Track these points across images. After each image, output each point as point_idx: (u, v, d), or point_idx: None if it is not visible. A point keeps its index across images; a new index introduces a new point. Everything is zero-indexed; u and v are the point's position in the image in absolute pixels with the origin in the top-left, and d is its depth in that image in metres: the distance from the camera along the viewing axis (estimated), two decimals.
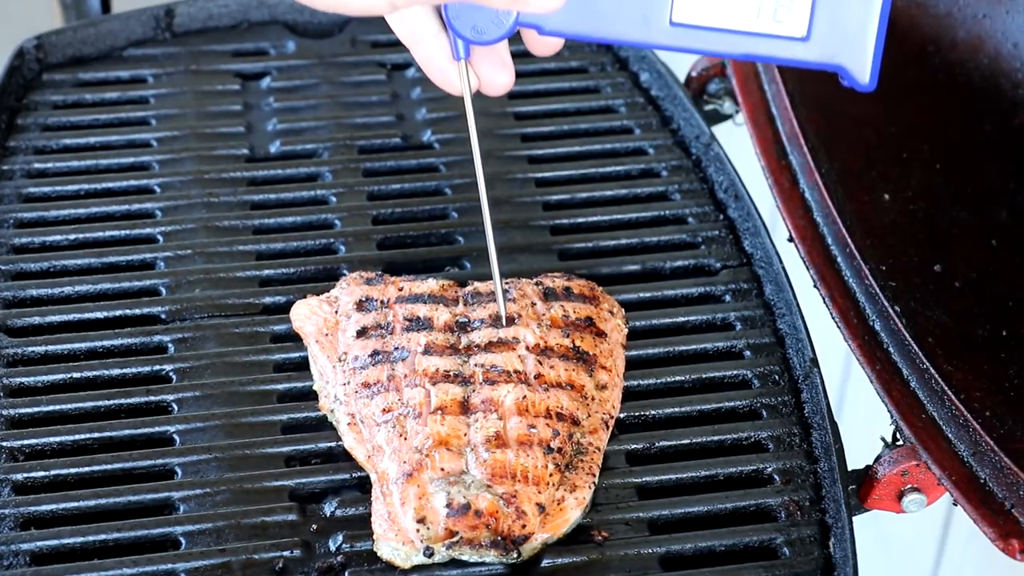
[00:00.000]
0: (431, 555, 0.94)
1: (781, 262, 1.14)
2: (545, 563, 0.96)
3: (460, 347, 1.05)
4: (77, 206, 1.22)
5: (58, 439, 1.02)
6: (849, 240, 1.11)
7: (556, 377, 1.02)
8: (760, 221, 1.17)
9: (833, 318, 1.09)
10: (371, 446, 1.00)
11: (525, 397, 1.00)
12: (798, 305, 1.11)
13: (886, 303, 1.06)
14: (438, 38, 0.93)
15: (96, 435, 1.03)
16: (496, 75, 0.95)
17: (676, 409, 1.06)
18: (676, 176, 1.26)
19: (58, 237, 1.18)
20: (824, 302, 1.10)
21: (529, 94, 1.35)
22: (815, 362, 1.07)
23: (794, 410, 1.06)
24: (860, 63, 0.88)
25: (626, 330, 1.09)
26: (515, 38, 0.93)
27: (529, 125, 1.32)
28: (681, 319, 1.13)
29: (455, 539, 0.94)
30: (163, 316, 1.12)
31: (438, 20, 0.92)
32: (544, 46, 0.93)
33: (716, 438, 1.04)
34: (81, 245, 1.18)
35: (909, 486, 1.00)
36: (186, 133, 1.29)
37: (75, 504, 0.98)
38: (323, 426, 1.03)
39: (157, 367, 1.08)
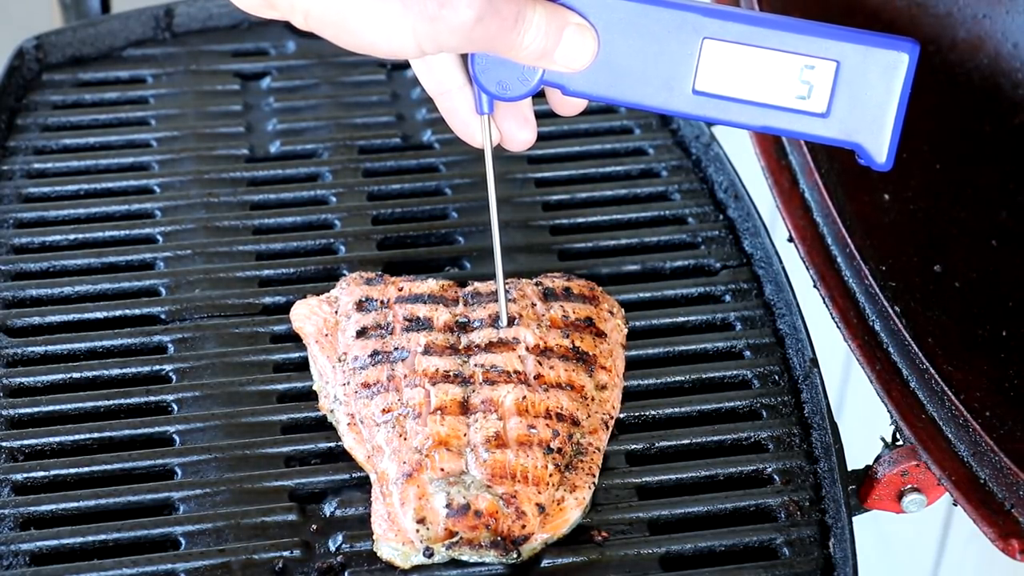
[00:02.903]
0: (431, 555, 0.94)
1: (781, 262, 1.14)
2: (545, 563, 0.96)
3: (460, 347, 1.05)
4: (77, 206, 1.22)
5: (58, 439, 1.02)
6: (849, 240, 1.11)
7: (556, 377, 1.02)
8: (760, 221, 1.17)
9: (833, 318, 1.09)
10: (371, 446, 1.00)
11: (525, 397, 1.00)
12: (798, 305, 1.11)
13: (886, 303, 1.06)
14: (463, 91, 0.94)
15: (96, 435, 1.03)
16: (518, 132, 0.96)
17: (676, 409, 1.06)
18: (676, 176, 1.26)
19: (58, 237, 1.18)
20: (824, 302, 1.10)
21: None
22: (815, 362, 1.07)
23: (794, 410, 1.06)
24: (878, 144, 0.89)
25: (626, 330, 1.09)
26: (539, 97, 0.94)
27: None
28: (681, 319, 1.13)
29: (455, 539, 0.94)
30: (163, 316, 1.12)
31: (464, 72, 0.93)
32: (568, 106, 0.95)
33: (716, 438, 1.04)
34: (81, 245, 1.18)
35: (909, 486, 1.00)
36: (186, 133, 1.29)
37: (75, 504, 0.98)
38: (323, 426, 1.03)
39: (157, 367, 1.08)
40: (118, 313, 1.12)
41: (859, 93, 0.88)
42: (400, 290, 1.08)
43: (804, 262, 1.13)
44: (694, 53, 0.89)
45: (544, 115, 1.32)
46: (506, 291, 1.08)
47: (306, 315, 1.09)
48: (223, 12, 1.41)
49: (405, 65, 1.37)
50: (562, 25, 0.88)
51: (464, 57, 0.93)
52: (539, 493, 0.96)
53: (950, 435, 1.00)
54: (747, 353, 1.10)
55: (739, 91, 0.89)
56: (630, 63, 0.90)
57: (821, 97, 0.89)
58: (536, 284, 1.09)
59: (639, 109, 0.98)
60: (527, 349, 1.04)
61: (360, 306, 1.08)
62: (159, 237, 1.19)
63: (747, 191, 1.20)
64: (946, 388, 1.01)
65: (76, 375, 1.07)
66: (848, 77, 0.88)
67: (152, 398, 1.06)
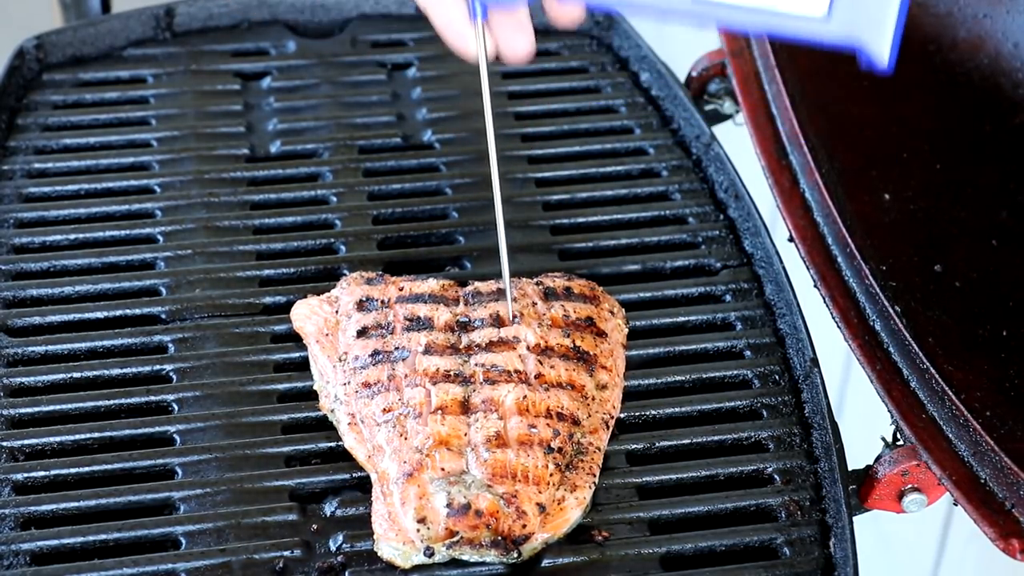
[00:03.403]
0: (431, 555, 0.94)
1: (781, 262, 1.14)
2: (545, 563, 0.96)
3: (460, 347, 1.05)
4: (77, 206, 1.22)
5: (58, 439, 1.02)
6: (849, 240, 1.11)
7: (556, 377, 1.02)
8: (760, 221, 1.17)
9: (833, 318, 1.09)
10: (371, 446, 1.00)
11: (525, 397, 1.00)
12: (798, 305, 1.11)
13: (886, 303, 1.06)
14: (456, 1, 0.92)
15: (96, 435, 1.03)
16: (514, 39, 0.93)
17: (676, 409, 1.06)
18: (676, 176, 1.26)
19: (58, 237, 1.18)
20: (824, 302, 1.10)
21: (529, 94, 1.35)
22: (815, 362, 1.07)
23: (794, 410, 1.06)
24: (879, 45, 0.88)
25: (626, 330, 1.09)
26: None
27: (529, 125, 1.32)
28: (681, 319, 1.13)
29: (455, 539, 0.94)
30: (163, 316, 1.12)
31: None
32: (564, 16, 0.92)
33: (716, 438, 1.04)
34: (81, 245, 1.18)
35: (909, 486, 1.00)
36: (186, 133, 1.29)
37: (75, 504, 0.98)
38: (323, 426, 1.03)
39: (157, 367, 1.08)
40: (118, 313, 1.12)
41: None
42: (401, 290, 1.08)
43: (804, 262, 1.13)
44: None
45: (544, 115, 1.33)
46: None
47: (306, 315, 1.09)
48: (223, 12, 1.41)
49: (405, 65, 1.37)
50: None
51: None
52: (540, 493, 0.96)
53: (950, 435, 1.00)
54: (747, 353, 1.10)
55: None
56: None
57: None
58: (537, 284, 1.10)
59: (640, 15, 0.96)
60: (528, 348, 1.04)
61: (361, 306, 1.08)
62: (159, 237, 1.19)
63: (747, 191, 1.20)
64: (946, 388, 1.01)
65: (76, 375, 1.07)
66: None
67: (152, 398, 1.06)
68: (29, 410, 1.04)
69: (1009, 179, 1.18)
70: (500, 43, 0.94)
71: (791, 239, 1.15)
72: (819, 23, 0.88)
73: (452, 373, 1.02)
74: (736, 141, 1.29)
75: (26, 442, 1.02)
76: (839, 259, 1.11)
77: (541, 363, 1.03)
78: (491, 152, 0.99)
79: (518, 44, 0.94)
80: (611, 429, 1.03)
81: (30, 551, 0.95)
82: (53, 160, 1.26)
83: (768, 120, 1.22)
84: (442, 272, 1.16)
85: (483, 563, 0.95)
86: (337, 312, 1.08)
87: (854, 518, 0.98)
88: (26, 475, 1.00)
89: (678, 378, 1.08)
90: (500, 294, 1.08)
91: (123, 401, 1.05)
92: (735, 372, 1.09)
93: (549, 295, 1.08)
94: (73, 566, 0.95)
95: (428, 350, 1.04)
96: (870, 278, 1.08)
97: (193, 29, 1.40)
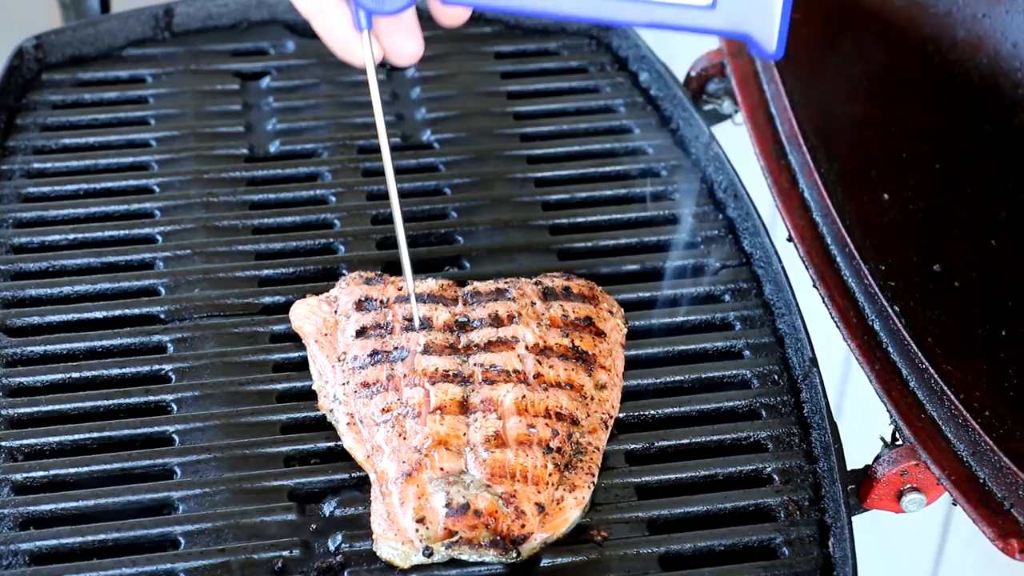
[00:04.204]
0: (430, 555, 0.94)
1: (780, 262, 1.14)
2: (544, 563, 0.96)
3: (459, 347, 1.05)
4: (76, 206, 1.22)
5: (57, 439, 1.02)
6: (848, 240, 1.11)
7: (555, 377, 1.02)
8: (759, 221, 1.17)
9: (832, 318, 1.09)
10: (370, 446, 1.00)
11: (524, 397, 1.00)
12: (797, 305, 1.11)
13: (885, 303, 1.06)
14: (339, 7, 0.90)
15: (95, 435, 1.03)
16: (402, 44, 0.91)
17: (676, 409, 1.06)
18: (676, 176, 1.26)
19: (57, 237, 1.18)
20: (823, 302, 1.10)
21: (529, 94, 1.35)
22: (814, 362, 1.07)
23: (793, 410, 1.06)
24: (767, 32, 0.87)
25: (625, 330, 1.09)
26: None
27: (529, 125, 1.32)
28: (681, 319, 1.13)
29: (454, 539, 0.94)
30: (162, 316, 1.12)
31: None
32: (448, 16, 0.90)
33: (715, 438, 1.04)
34: (80, 245, 1.18)
35: (908, 486, 1.00)
36: (185, 133, 1.29)
37: (74, 504, 0.98)
38: (322, 426, 1.03)
39: (156, 367, 1.08)
40: (118, 313, 1.12)
41: None
42: (400, 290, 1.08)
43: (803, 261, 1.13)
44: None
45: (544, 115, 1.33)
46: (506, 290, 1.08)
47: (306, 315, 1.09)
48: (223, 12, 1.41)
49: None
50: None
51: None
52: (539, 492, 0.96)
53: (950, 435, 1.00)
54: (747, 353, 1.10)
55: None
56: None
57: None
58: (536, 283, 1.09)
59: (519, 15, 0.95)
60: (527, 348, 1.04)
61: (360, 306, 1.08)
62: (158, 237, 1.19)
63: (746, 191, 1.20)
64: (946, 388, 1.01)
65: (76, 375, 1.07)
66: None
67: (151, 398, 1.06)
68: (28, 410, 1.04)
69: (1008, 179, 1.18)
70: (388, 49, 0.92)
71: (790, 239, 1.15)
72: (705, 13, 0.87)
73: (451, 373, 1.02)
74: (735, 141, 1.29)
75: (25, 442, 1.02)
76: (838, 259, 1.11)
77: (540, 363, 1.03)
78: (387, 166, 0.98)
79: (406, 49, 0.92)
80: (610, 429, 1.03)
81: (29, 551, 0.95)
82: (52, 160, 1.26)
83: (767, 120, 1.22)
84: (441, 272, 1.16)
85: (482, 563, 0.95)
86: (336, 312, 1.08)
87: (853, 518, 0.98)
88: (25, 475, 1.00)
89: (677, 378, 1.08)
90: (499, 294, 1.08)
91: (122, 401, 1.05)
92: (734, 372, 1.09)
93: (548, 295, 1.08)
94: (72, 566, 0.95)
95: (427, 350, 1.04)
96: (869, 278, 1.08)
97: (192, 29, 1.40)
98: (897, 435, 1.02)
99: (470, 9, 0.91)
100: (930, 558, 1.69)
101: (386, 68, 1.37)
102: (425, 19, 0.93)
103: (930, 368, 1.02)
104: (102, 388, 1.06)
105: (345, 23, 0.90)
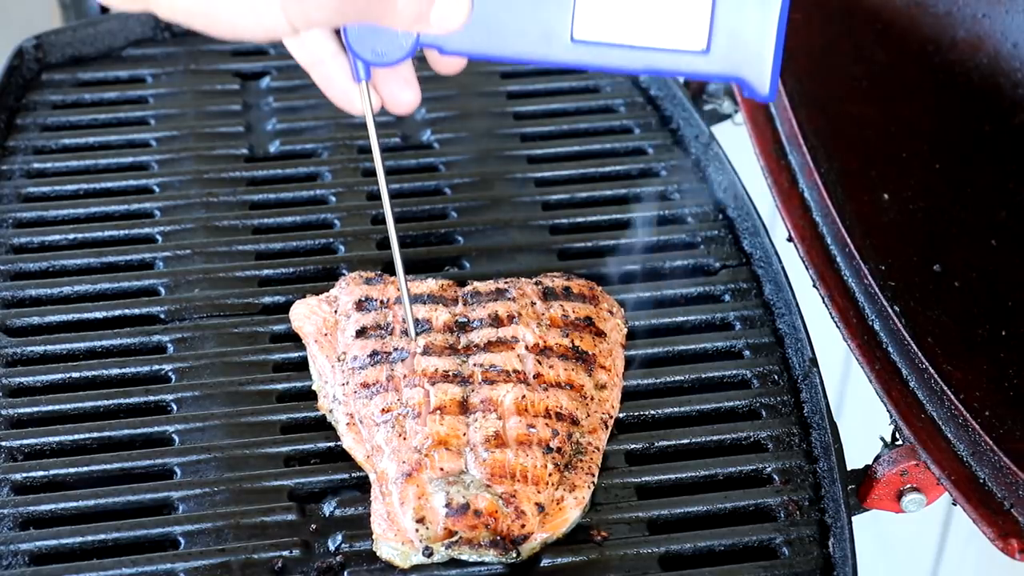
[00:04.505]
0: (430, 555, 0.94)
1: (780, 262, 1.14)
2: (544, 563, 0.96)
3: (459, 347, 1.04)
4: (76, 206, 1.22)
5: (57, 439, 1.02)
6: (848, 240, 1.11)
7: (555, 377, 1.02)
8: (759, 221, 1.17)
9: (832, 318, 1.09)
10: (370, 446, 1.00)
11: (524, 397, 1.00)
12: (797, 305, 1.11)
13: (885, 303, 1.06)
14: (337, 59, 0.91)
15: (95, 435, 1.03)
16: (400, 93, 0.93)
17: (675, 409, 1.06)
18: (676, 176, 1.26)
19: (57, 237, 1.18)
20: (823, 302, 1.10)
21: (529, 94, 1.35)
22: (814, 362, 1.07)
23: (793, 410, 1.06)
24: (760, 75, 0.89)
25: (625, 330, 1.09)
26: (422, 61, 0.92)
27: (529, 125, 1.32)
28: (680, 319, 1.13)
29: (454, 539, 0.94)
30: (162, 316, 1.12)
31: (336, 40, 0.91)
32: (446, 66, 0.92)
33: (715, 438, 1.04)
34: (80, 245, 1.18)
35: (908, 486, 1.00)
36: (185, 133, 1.29)
37: (74, 504, 0.98)
38: (322, 426, 1.03)
39: (156, 367, 1.08)
40: (117, 313, 1.12)
41: (737, 26, 0.88)
42: (399, 290, 1.08)
43: (803, 262, 1.13)
44: (569, 1, 0.88)
45: (544, 115, 1.33)
46: (506, 290, 1.08)
47: (305, 315, 1.09)
48: None
49: None
50: None
51: (336, 27, 0.90)
52: (538, 492, 0.96)
53: (950, 435, 1.00)
54: (747, 353, 1.10)
55: (618, 36, 0.88)
56: (506, 17, 0.88)
57: (700, 34, 0.88)
58: (536, 283, 1.09)
59: (519, 63, 0.97)
60: (526, 348, 1.04)
61: (359, 306, 1.08)
62: (158, 237, 1.19)
63: (746, 191, 1.20)
64: (946, 388, 1.01)
65: (76, 375, 1.07)
66: (725, 11, 0.88)
67: (151, 398, 1.06)
68: (28, 410, 1.04)
69: (1009, 179, 1.18)
70: (385, 98, 0.93)
71: (790, 239, 1.15)
72: (699, 58, 0.89)
73: (451, 373, 1.02)
74: (735, 141, 1.29)
75: (25, 442, 1.02)
76: (838, 259, 1.11)
77: (540, 363, 1.03)
78: (385, 203, 0.99)
79: (404, 98, 0.94)
80: (610, 429, 1.03)
81: (29, 551, 0.95)
82: (52, 160, 1.26)
83: (767, 120, 1.22)
84: (441, 272, 1.16)
85: (482, 563, 0.95)
86: (336, 312, 1.08)
87: (853, 518, 0.98)
88: (25, 475, 1.00)
89: (677, 378, 1.08)
90: (499, 294, 1.08)
91: (122, 401, 1.05)
92: (734, 372, 1.09)
93: (548, 295, 1.08)
94: (72, 566, 0.95)
95: (427, 350, 1.03)
96: (869, 278, 1.08)
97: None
98: (897, 435, 1.02)
99: (465, 59, 0.92)
100: (930, 558, 1.69)
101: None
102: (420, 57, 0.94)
103: (930, 368, 1.02)
104: (102, 388, 1.06)
105: (343, 74, 0.91)
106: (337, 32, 0.90)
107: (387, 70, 0.92)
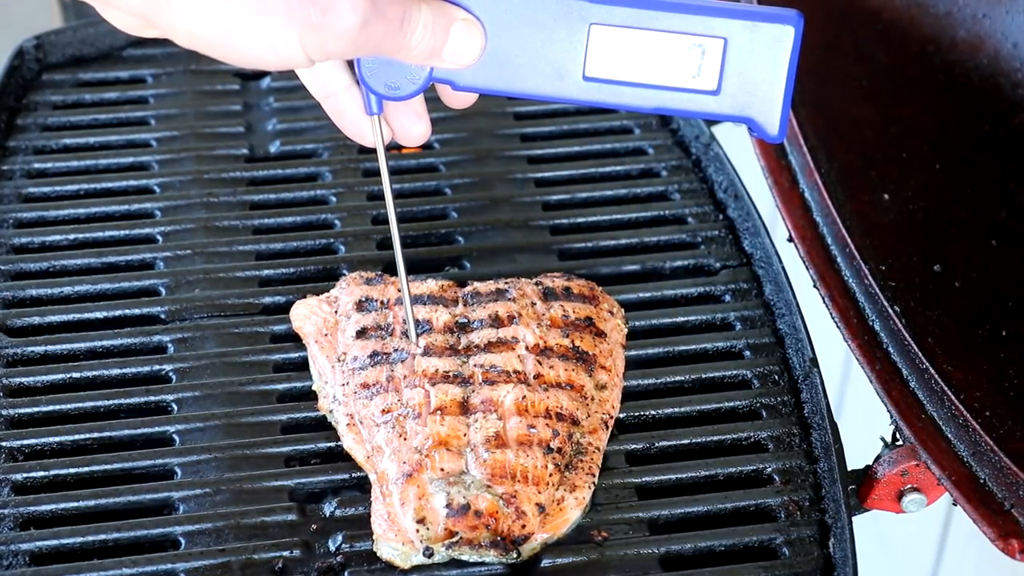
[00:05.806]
0: (431, 555, 0.94)
1: (781, 262, 1.14)
2: (545, 563, 0.96)
3: (460, 348, 1.05)
4: (77, 206, 1.22)
5: (58, 439, 1.02)
6: (849, 240, 1.11)
7: (556, 377, 1.02)
8: (760, 221, 1.17)
9: (833, 318, 1.09)
10: (370, 446, 1.00)
11: (525, 397, 1.00)
12: (798, 305, 1.11)
13: (886, 303, 1.06)
14: (350, 91, 0.92)
15: (96, 435, 1.03)
16: (411, 126, 0.94)
17: (676, 409, 1.06)
18: (676, 176, 1.26)
19: (58, 237, 1.18)
20: (824, 302, 1.10)
21: None
22: (815, 362, 1.07)
23: (794, 410, 1.06)
24: (769, 117, 0.90)
25: (626, 330, 1.09)
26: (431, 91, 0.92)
27: (529, 125, 1.32)
28: (681, 319, 1.13)
29: (455, 539, 0.94)
30: (163, 316, 1.12)
31: (349, 73, 0.91)
32: (459, 100, 0.93)
33: (716, 438, 1.04)
34: (81, 245, 1.18)
35: (909, 486, 1.00)
36: (185, 133, 1.29)
37: (75, 504, 0.98)
38: (323, 426, 1.03)
39: (157, 367, 1.08)
40: (118, 313, 1.12)
41: (748, 68, 0.89)
42: (400, 290, 1.08)
43: (804, 262, 1.13)
44: (582, 40, 0.88)
45: (545, 115, 1.33)
46: (506, 290, 1.08)
47: (306, 315, 1.09)
48: None
49: None
50: (449, 22, 0.87)
51: (349, 59, 0.91)
52: (539, 493, 0.96)
53: (950, 435, 1.00)
54: (747, 353, 1.10)
55: (629, 74, 0.89)
56: (519, 54, 0.89)
57: (711, 75, 0.89)
58: (536, 284, 1.09)
59: (532, 99, 0.98)
60: (527, 349, 1.04)
61: (360, 306, 1.08)
62: (159, 237, 1.19)
63: (747, 191, 1.20)
64: (946, 388, 1.01)
65: (76, 375, 1.07)
66: (736, 53, 0.88)
67: (152, 398, 1.06)
68: (29, 410, 1.04)
69: (1009, 179, 1.18)
70: (397, 131, 0.94)
71: (790, 239, 1.15)
72: (710, 98, 0.89)
73: (451, 374, 1.02)
74: (736, 141, 1.29)
75: (25, 442, 1.02)
76: (838, 259, 1.11)
77: (540, 363, 1.03)
78: (394, 233, 0.99)
79: (415, 131, 0.95)
80: (610, 429, 1.03)
81: (29, 551, 0.95)
82: (53, 160, 1.26)
83: None
84: (441, 272, 1.16)
85: (482, 563, 0.95)
86: (336, 312, 1.08)
87: (853, 518, 0.98)
88: (25, 475, 1.00)
89: (677, 378, 1.08)
90: (499, 294, 1.08)
91: (122, 401, 1.05)
92: (734, 372, 1.09)
93: (548, 295, 1.08)
94: (72, 566, 0.95)
95: (427, 351, 1.04)
96: (869, 278, 1.08)
97: None
98: (897, 435, 1.02)
99: (476, 94, 0.93)
100: (930, 558, 1.69)
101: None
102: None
103: (930, 368, 1.02)
104: (102, 388, 1.06)
105: (356, 106, 0.92)
106: (350, 64, 0.91)
107: (399, 104, 0.93)
